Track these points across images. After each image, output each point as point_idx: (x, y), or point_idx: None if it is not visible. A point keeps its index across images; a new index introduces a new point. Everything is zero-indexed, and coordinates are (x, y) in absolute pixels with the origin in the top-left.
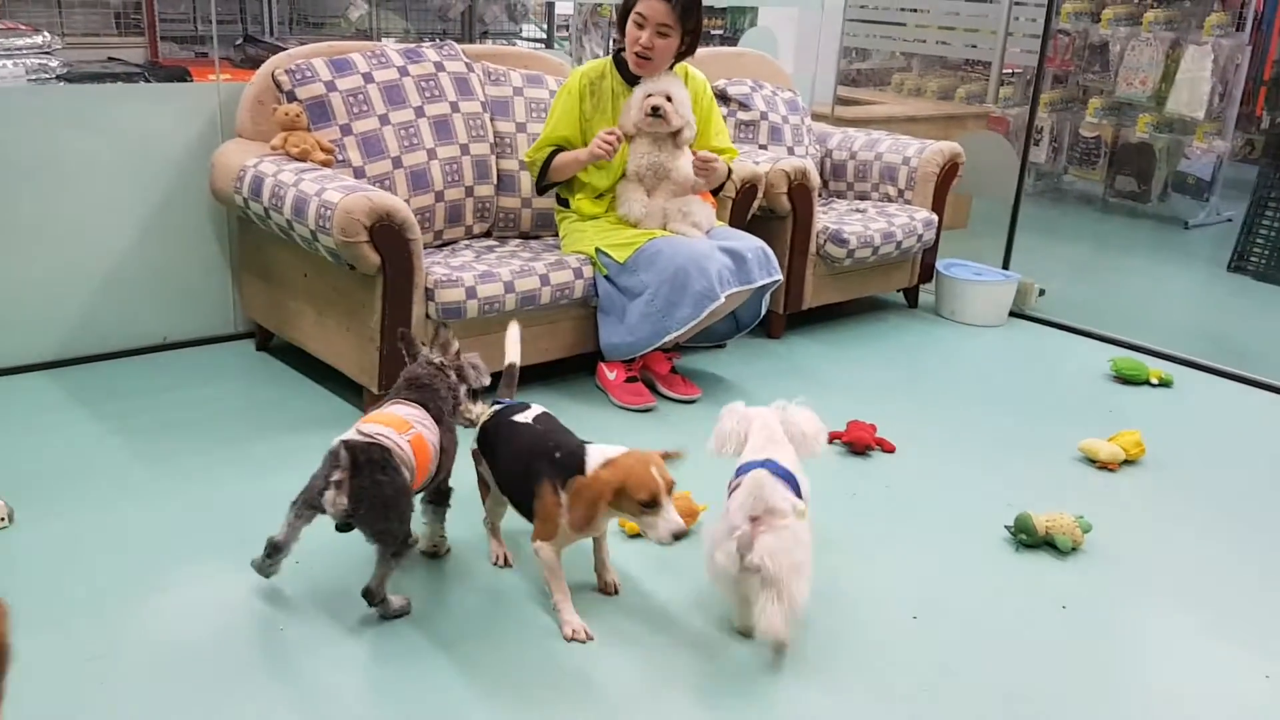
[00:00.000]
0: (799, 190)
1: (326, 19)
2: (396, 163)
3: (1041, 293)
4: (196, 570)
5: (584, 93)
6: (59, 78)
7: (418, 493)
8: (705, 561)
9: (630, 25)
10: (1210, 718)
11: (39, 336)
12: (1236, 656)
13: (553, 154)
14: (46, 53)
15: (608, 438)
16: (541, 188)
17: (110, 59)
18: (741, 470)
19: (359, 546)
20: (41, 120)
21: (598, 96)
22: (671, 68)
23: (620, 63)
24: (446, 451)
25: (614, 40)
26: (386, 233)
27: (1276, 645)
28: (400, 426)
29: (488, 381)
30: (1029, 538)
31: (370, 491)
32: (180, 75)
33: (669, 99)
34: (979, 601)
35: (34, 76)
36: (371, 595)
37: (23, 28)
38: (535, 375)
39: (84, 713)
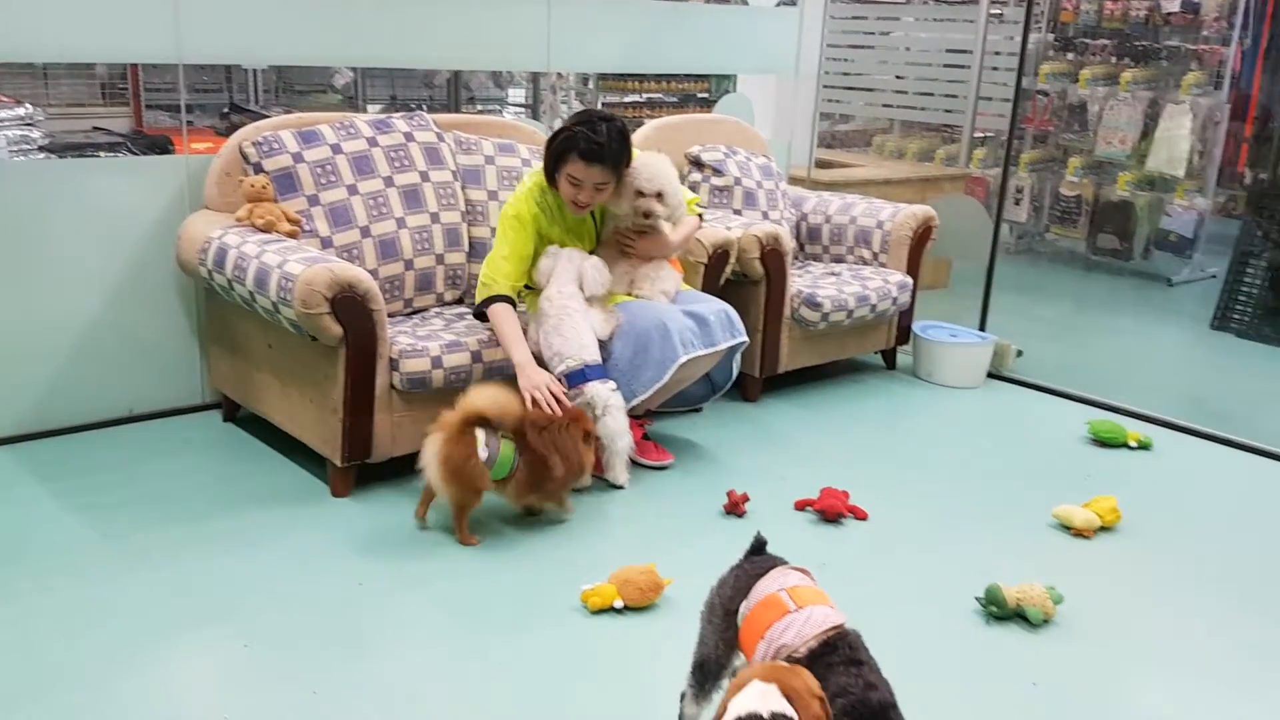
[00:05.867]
0: (772, 255)
1: (312, 87)
2: (365, 232)
3: (1019, 354)
4: (159, 653)
5: (536, 213)
6: (41, 148)
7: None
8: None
9: (565, 183)
10: None
11: (1, 410)
12: None
13: (507, 299)
14: (29, 124)
15: (583, 501)
16: (478, 314)
17: (95, 128)
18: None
19: (317, 623)
20: (17, 193)
21: (546, 211)
22: None
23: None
24: None
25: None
26: (349, 304)
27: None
28: (818, 599)
29: None
30: (999, 610)
31: None
32: (163, 144)
33: (660, 195)
34: (946, 677)
35: (16, 148)
36: None
37: (6, 100)
38: None
39: None
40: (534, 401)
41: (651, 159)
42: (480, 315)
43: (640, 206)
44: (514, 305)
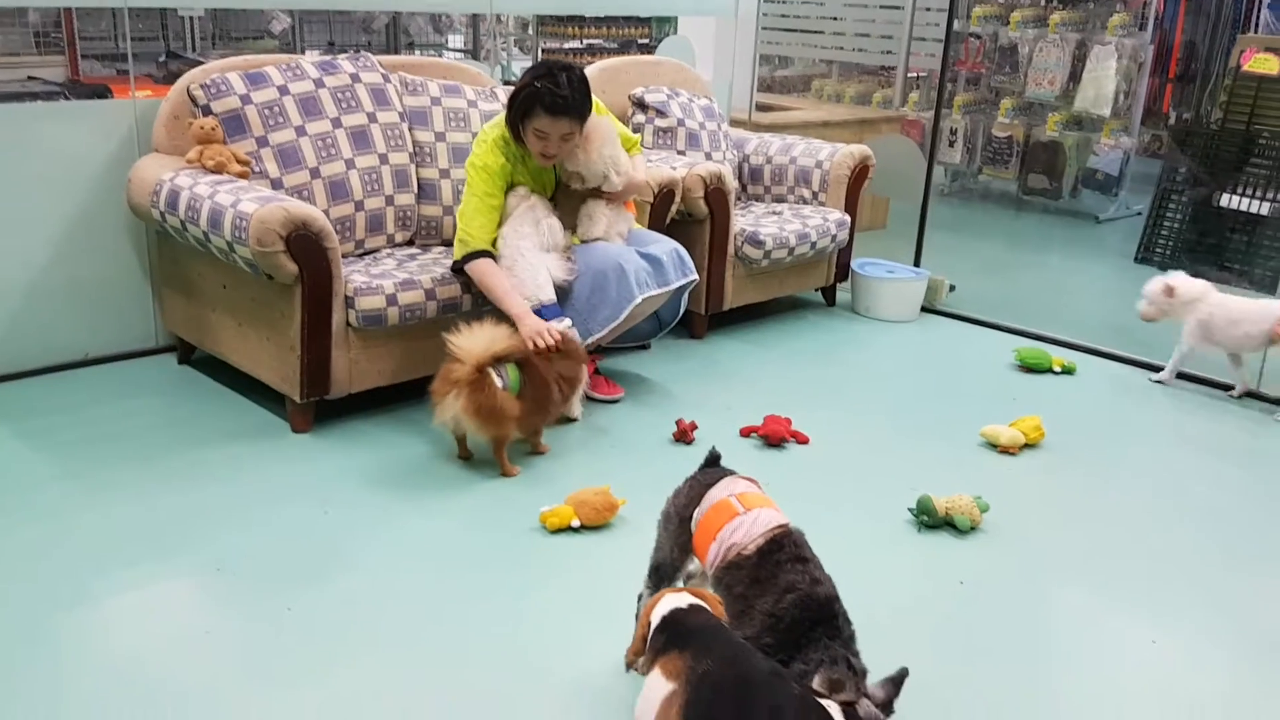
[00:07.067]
0: (715, 194)
1: (248, 34)
2: (314, 173)
3: (952, 288)
4: (136, 578)
5: (504, 163)
6: None
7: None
8: None
9: (531, 137)
10: (1101, 682)
11: None
12: (1125, 625)
13: (487, 253)
14: None
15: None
16: (457, 269)
17: (30, 78)
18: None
19: (286, 548)
20: None
21: (512, 160)
22: None
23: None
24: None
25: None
26: (303, 242)
27: (1163, 614)
28: (764, 503)
29: None
30: (930, 518)
31: None
32: (101, 92)
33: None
34: (881, 579)
35: None
36: None
37: None
38: None
39: None
40: (538, 346)
41: (586, 141)
42: (458, 270)
43: (571, 180)
44: (494, 259)
